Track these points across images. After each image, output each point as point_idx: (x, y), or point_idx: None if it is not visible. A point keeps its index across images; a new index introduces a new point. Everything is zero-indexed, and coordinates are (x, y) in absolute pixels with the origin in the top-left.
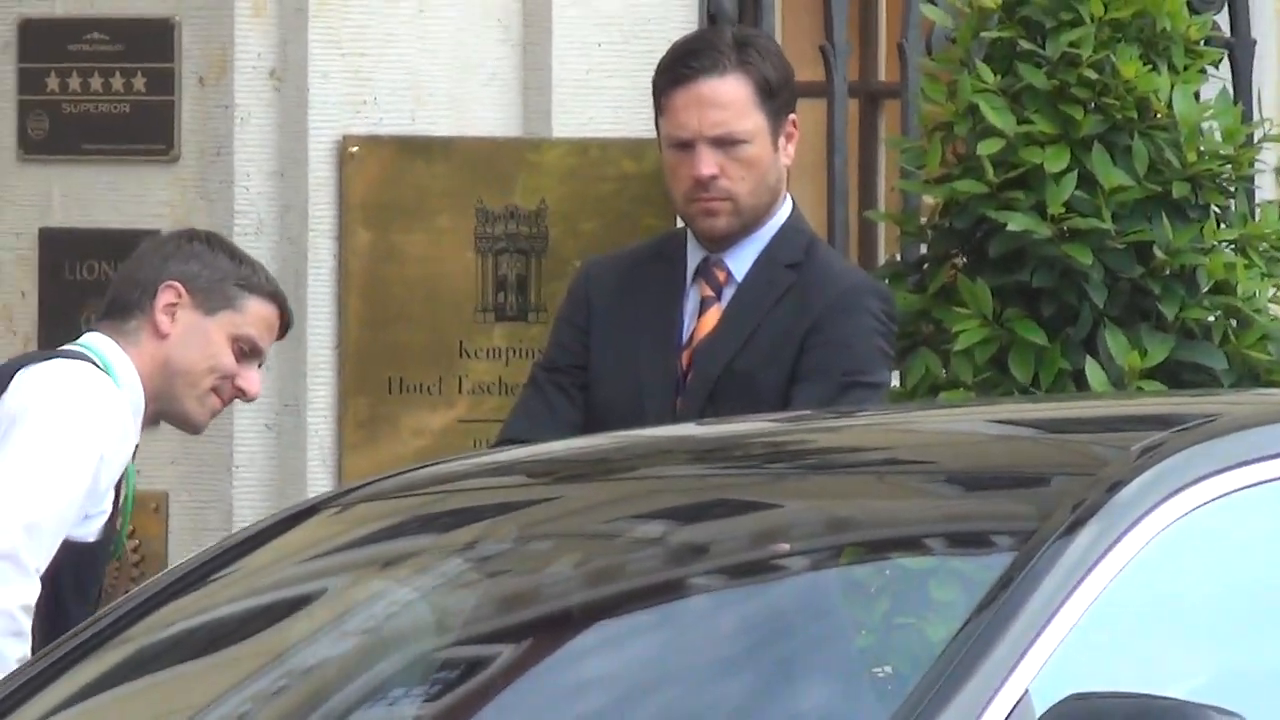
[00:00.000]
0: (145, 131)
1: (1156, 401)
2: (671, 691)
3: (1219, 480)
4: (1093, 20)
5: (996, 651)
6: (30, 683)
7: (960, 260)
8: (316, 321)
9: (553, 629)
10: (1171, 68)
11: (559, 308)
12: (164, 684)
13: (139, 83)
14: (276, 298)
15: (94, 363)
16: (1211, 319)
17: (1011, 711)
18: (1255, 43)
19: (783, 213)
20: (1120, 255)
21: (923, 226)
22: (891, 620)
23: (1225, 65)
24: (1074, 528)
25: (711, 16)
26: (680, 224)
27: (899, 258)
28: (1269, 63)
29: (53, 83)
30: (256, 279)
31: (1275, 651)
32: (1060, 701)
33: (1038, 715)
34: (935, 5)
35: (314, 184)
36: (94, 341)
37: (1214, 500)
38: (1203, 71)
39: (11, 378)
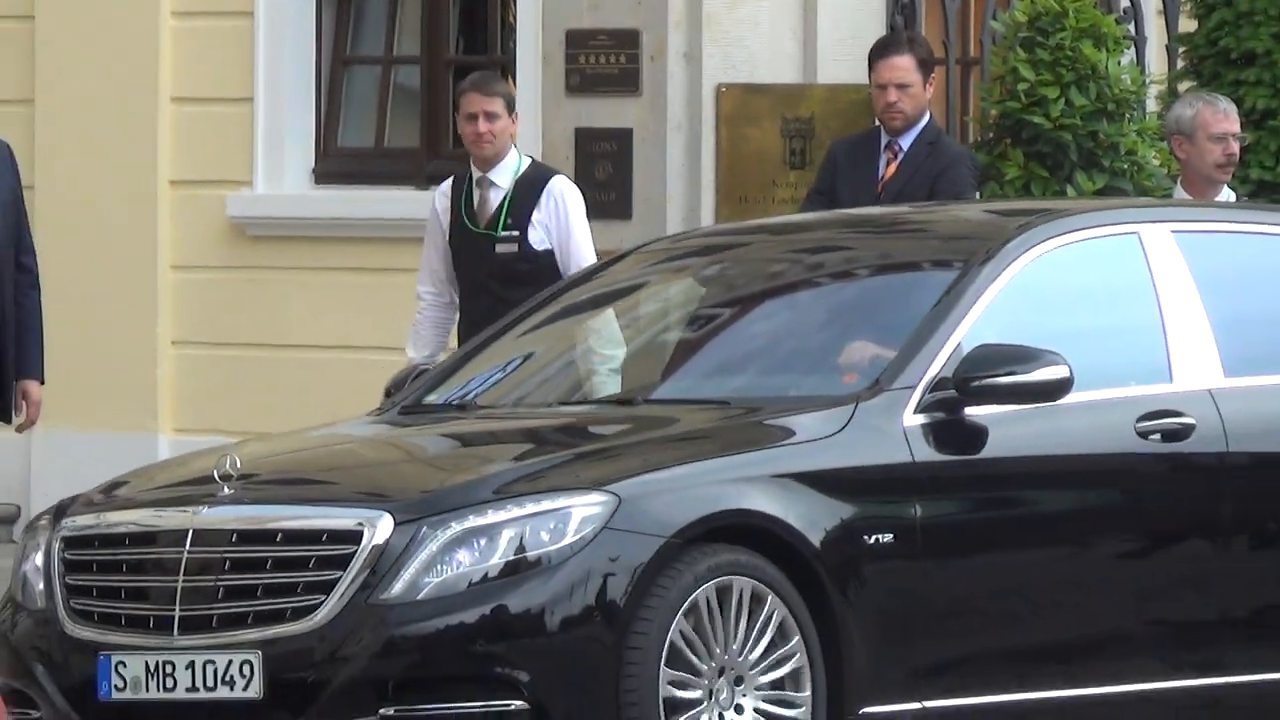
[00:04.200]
0: (625, 84)
1: (1040, 204)
2: (797, 334)
3: (1057, 239)
4: (1072, 28)
5: (945, 322)
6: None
7: (1008, 141)
8: (706, 162)
9: (753, 298)
10: (1108, 50)
11: (820, 164)
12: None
13: (621, 58)
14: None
15: None
16: (1125, 166)
17: (953, 353)
18: (1146, 39)
19: (925, 119)
20: (1085, 138)
21: (991, 124)
22: (899, 300)
23: (1133, 49)
24: (984, 261)
25: (892, 27)
26: (877, 124)
27: (981, 139)
28: (1151, 47)
29: (581, 58)
30: None
31: (1083, 319)
32: (974, 348)
33: (964, 354)
34: (996, 21)
35: (705, 107)
36: None
37: (1054, 250)
38: (1122, 51)
39: None
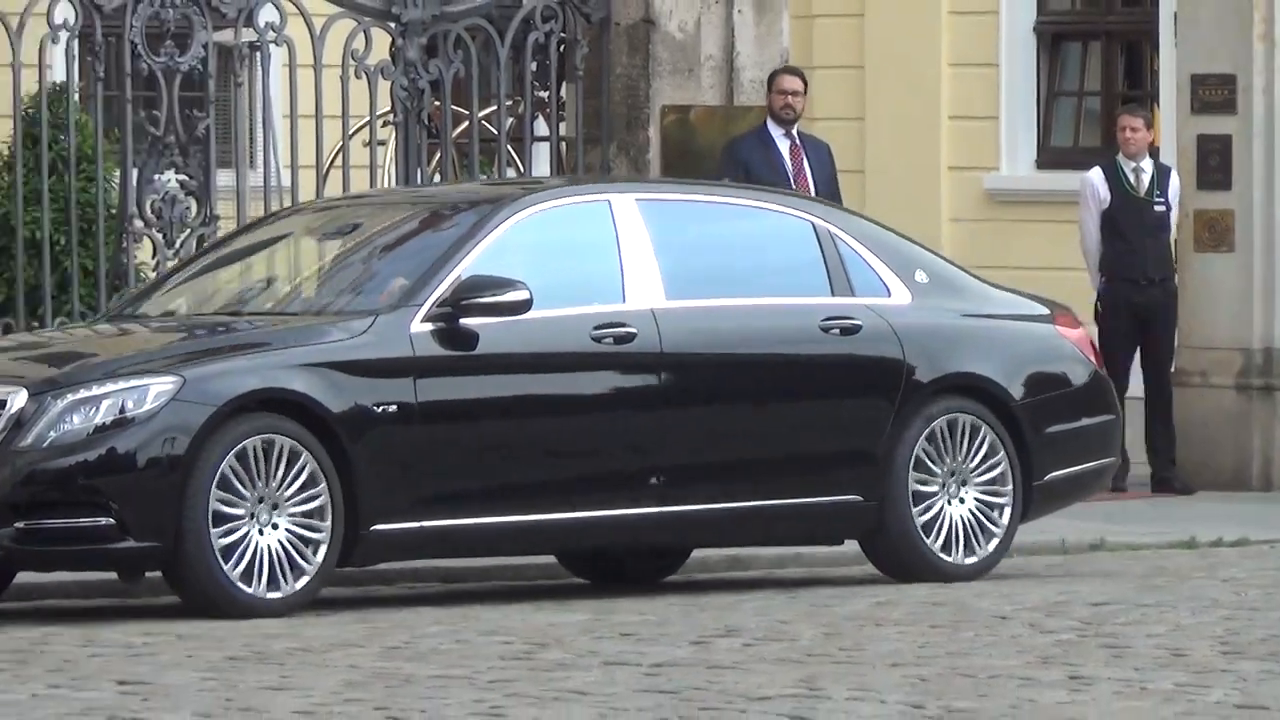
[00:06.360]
0: (1227, 107)
1: (539, 180)
2: (357, 266)
3: (544, 204)
4: None
5: (451, 260)
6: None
7: None
8: (1277, 155)
9: (334, 242)
10: None
11: None
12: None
13: (1224, 91)
14: None
15: None
16: None
17: (454, 281)
18: None
19: None
20: None
21: None
22: (427, 244)
23: None
24: (484, 218)
25: None
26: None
27: None
28: None
29: (1200, 91)
30: None
31: (563, 259)
32: (467, 277)
33: (462, 280)
34: None
35: (1276, 121)
36: None
37: (542, 210)
38: None
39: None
